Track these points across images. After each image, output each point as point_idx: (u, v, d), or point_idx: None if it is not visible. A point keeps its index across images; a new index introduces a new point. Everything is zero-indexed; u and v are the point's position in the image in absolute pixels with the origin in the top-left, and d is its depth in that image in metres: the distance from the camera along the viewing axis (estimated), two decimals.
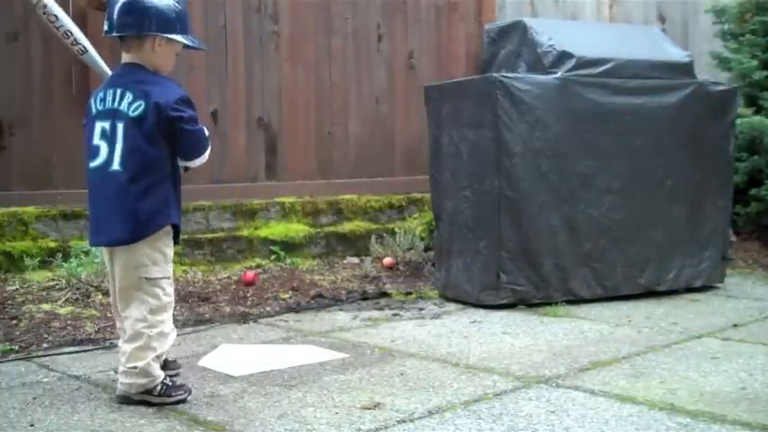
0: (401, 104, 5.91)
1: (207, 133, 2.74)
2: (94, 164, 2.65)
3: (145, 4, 2.67)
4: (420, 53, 5.98)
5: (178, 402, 2.64)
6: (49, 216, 4.67)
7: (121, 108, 2.63)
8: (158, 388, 2.63)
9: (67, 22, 3.05)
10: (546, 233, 4.15)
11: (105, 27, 2.73)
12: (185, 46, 2.78)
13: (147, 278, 2.64)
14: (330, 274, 5.02)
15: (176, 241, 2.79)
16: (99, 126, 2.66)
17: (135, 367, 2.61)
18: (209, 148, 2.75)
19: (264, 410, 2.55)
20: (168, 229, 2.71)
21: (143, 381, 2.62)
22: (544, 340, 3.46)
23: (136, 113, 2.61)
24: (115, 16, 2.68)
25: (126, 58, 2.74)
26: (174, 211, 2.72)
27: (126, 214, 2.61)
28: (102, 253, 2.86)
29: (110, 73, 2.94)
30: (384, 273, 5.04)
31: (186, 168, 2.78)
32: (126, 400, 2.65)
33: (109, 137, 2.64)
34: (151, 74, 2.71)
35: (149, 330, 2.63)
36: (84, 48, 3.07)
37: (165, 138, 2.64)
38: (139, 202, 2.61)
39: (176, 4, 2.72)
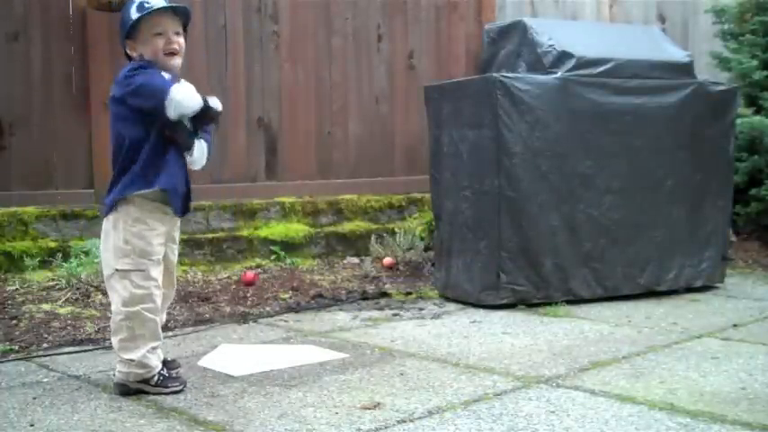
0: (401, 104, 5.90)
1: (157, 80, 2.64)
2: None
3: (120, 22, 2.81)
4: (420, 53, 5.98)
5: (174, 393, 2.73)
6: (49, 216, 4.67)
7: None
8: (155, 378, 2.74)
9: None
10: (546, 233, 4.15)
11: None
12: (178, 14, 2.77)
13: (116, 269, 2.72)
14: (330, 274, 5.02)
15: (183, 209, 2.83)
16: None
17: (132, 360, 2.71)
18: (171, 91, 2.60)
19: (264, 410, 2.55)
20: (139, 217, 2.71)
21: (140, 371, 2.72)
22: (544, 340, 3.46)
23: (108, 101, 2.78)
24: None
25: None
26: (136, 185, 2.70)
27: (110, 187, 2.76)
28: None
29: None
30: (384, 273, 5.04)
31: (203, 120, 2.75)
32: (124, 387, 2.74)
33: None
34: (129, 64, 2.77)
35: (127, 322, 2.71)
36: None
37: (139, 117, 2.68)
38: (114, 179, 2.73)
39: (132, 6, 2.74)
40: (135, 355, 2.70)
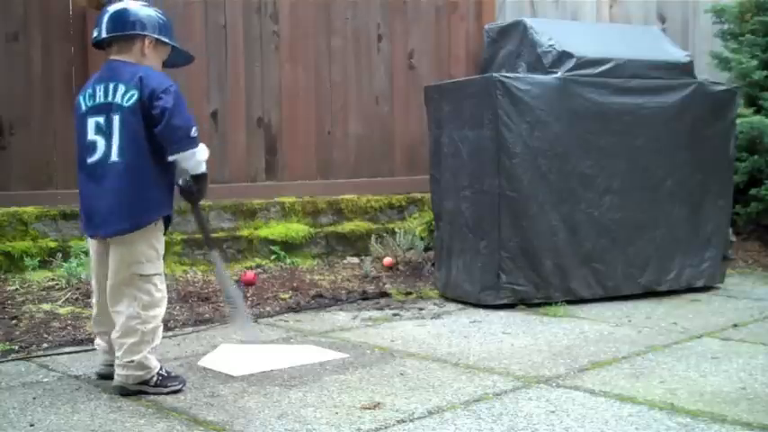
0: (401, 104, 5.90)
1: (194, 132, 2.71)
2: (92, 159, 2.71)
3: (133, 9, 2.79)
4: (420, 53, 5.98)
5: (173, 393, 2.73)
6: (49, 216, 4.67)
7: (116, 100, 2.69)
8: (154, 379, 2.74)
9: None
10: (546, 233, 4.15)
11: (94, 34, 2.83)
12: (173, 49, 2.88)
13: (140, 275, 2.71)
14: (330, 274, 5.02)
15: (165, 229, 2.87)
16: (92, 121, 2.73)
17: (132, 361, 2.70)
18: (198, 148, 2.74)
19: (264, 410, 2.55)
20: (160, 224, 2.78)
21: (140, 372, 2.71)
22: (544, 340, 3.46)
23: (130, 103, 2.67)
24: (104, 23, 2.79)
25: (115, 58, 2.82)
26: (170, 201, 2.80)
27: (126, 205, 2.68)
28: (91, 247, 2.88)
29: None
30: (384, 273, 5.04)
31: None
32: (123, 390, 2.73)
33: (105, 131, 2.70)
34: (138, 64, 2.76)
35: (143, 326, 2.71)
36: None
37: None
38: (139, 191, 2.68)
39: (161, 16, 2.84)
40: (135, 357, 2.69)
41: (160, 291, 2.76)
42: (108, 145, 2.68)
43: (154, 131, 2.66)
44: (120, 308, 2.72)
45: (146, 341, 2.71)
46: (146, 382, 2.72)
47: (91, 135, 2.72)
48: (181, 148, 2.68)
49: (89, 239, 2.88)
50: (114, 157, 2.67)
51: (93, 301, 2.92)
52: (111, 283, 2.75)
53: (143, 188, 2.69)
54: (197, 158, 2.74)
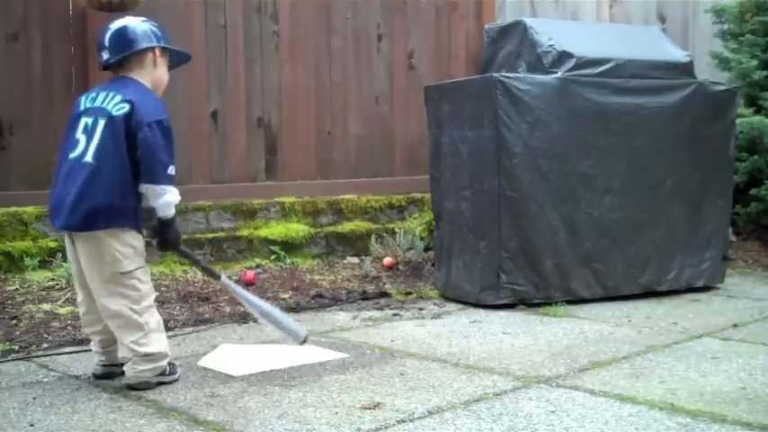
0: (401, 104, 5.90)
1: (171, 171, 2.75)
2: (73, 155, 2.78)
3: (132, 26, 2.87)
4: (420, 53, 5.98)
5: (175, 380, 2.84)
6: (49, 216, 4.66)
7: (107, 107, 2.76)
8: (168, 368, 2.83)
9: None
10: (546, 233, 4.15)
11: (104, 58, 2.87)
12: (171, 54, 2.97)
13: (121, 272, 2.75)
14: (330, 274, 5.02)
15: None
16: (83, 121, 2.80)
17: (154, 353, 2.76)
18: (170, 189, 2.75)
19: (264, 410, 2.55)
20: (129, 228, 2.79)
21: (162, 363, 2.79)
22: (544, 340, 3.47)
23: (118, 113, 2.73)
24: (110, 45, 2.84)
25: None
26: (132, 216, 2.78)
27: (87, 204, 2.71)
28: (67, 245, 2.91)
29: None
30: (384, 273, 5.04)
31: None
32: (145, 385, 2.76)
33: (89, 131, 2.77)
34: (145, 87, 2.85)
35: (141, 318, 2.77)
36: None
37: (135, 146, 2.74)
38: (103, 196, 2.71)
39: (157, 27, 2.93)
40: (156, 348, 2.76)
41: (144, 283, 2.81)
42: (87, 145, 2.75)
43: (134, 152, 2.72)
44: (113, 307, 2.75)
45: (152, 330, 2.77)
46: (163, 373, 2.80)
47: (78, 133, 2.79)
48: (153, 180, 2.72)
49: (66, 239, 2.89)
50: (88, 158, 2.73)
51: (79, 299, 2.92)
52: (95, 288, 2.77)
53: (108, 194, 2.71)
54: (166, 199, 2.75)
